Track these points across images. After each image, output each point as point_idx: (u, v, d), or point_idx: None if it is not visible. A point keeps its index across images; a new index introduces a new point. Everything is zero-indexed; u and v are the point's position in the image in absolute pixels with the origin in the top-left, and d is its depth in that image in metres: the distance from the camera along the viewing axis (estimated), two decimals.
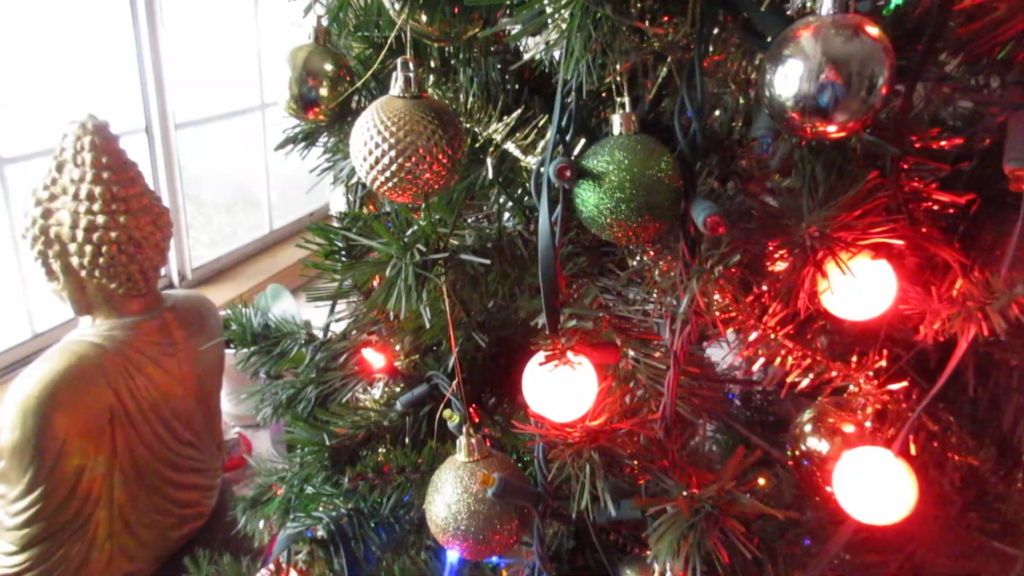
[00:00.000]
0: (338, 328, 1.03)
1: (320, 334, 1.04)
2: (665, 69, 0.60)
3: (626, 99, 0.55)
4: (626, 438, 0.63)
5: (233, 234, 3.30)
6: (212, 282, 2.96)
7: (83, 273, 1.36)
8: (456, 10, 0.67)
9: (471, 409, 0.95)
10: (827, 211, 0.54)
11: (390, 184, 0.61)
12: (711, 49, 0.59)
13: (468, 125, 0.76)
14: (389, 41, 0.74)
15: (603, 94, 0.75)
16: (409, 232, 0.65)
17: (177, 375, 1.50)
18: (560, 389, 0.58)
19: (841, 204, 0.55)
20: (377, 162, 0.60)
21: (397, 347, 0.99)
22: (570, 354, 0.58)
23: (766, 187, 0.62)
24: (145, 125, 2.68)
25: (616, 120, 0.55)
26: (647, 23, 0.52)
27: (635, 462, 0.63)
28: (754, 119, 0.61)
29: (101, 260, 1.34)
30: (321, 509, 0.85)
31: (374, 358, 0.92)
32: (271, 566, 0.92)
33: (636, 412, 0.66)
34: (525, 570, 0.77)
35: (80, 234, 1.33)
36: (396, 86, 0.62)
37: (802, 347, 0.67)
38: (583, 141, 0.65)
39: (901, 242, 0.53)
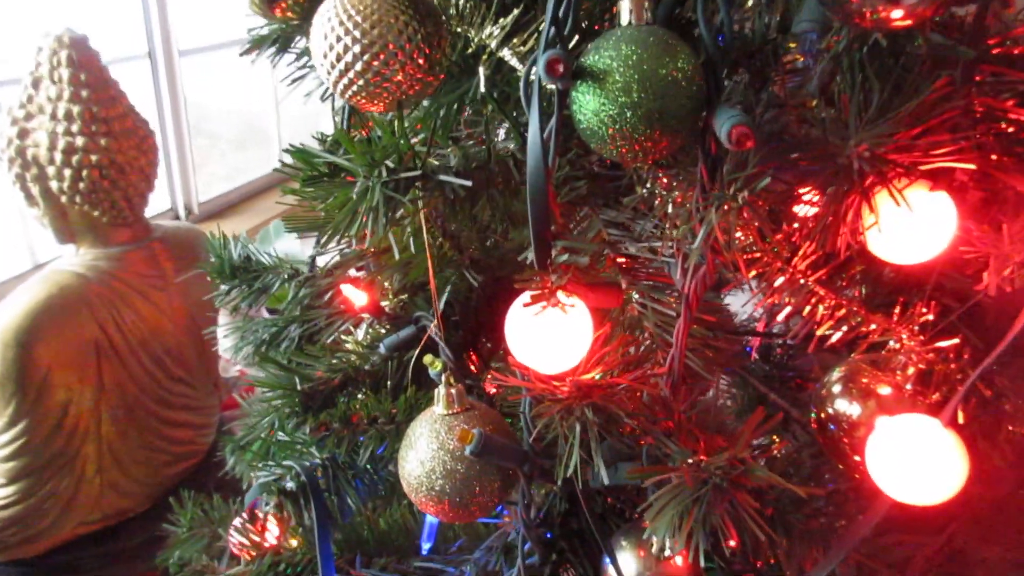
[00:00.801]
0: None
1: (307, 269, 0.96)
2: None
3: None
4: (626, 395, 0.54)
5: (244, 169, 3.22)
6: (219, 217, 2.90)
7: (63, 199, 1.28)
8: None
9: (468, 357, 0.87)
10: (881, 127, 0.44)
11: (356, 87, 0.52)
12: None
13: (459, 30, 0.65)
14: None
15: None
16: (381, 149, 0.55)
17: (167, 309, 1.43)
18: (547, 335, 0.49)
19: (898, 119, 0.44)
20: (339, 59, 0.51)
21: (385, 284, 0.90)
22: (561, 294, 0.49)
23: (802, 116, 0.52)
24: (148, 50, 2.58)
25: (625, 6, 0.44)
26: None
27: (635, 422, 0.54)
28: (796, 11, 0.50)
29: (82, 185, 1.26)
30: (294, 458, 0.78)
31: (356, 295, 0.84)
32: (244, 515, 0.86)
33: (639, 365, 0.57)
34: (511, 533, 0.70)
35: (58, 156, 1.24)
36: None
37: (836, 295, 0.58)
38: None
39: (973, 166, 0.43)
